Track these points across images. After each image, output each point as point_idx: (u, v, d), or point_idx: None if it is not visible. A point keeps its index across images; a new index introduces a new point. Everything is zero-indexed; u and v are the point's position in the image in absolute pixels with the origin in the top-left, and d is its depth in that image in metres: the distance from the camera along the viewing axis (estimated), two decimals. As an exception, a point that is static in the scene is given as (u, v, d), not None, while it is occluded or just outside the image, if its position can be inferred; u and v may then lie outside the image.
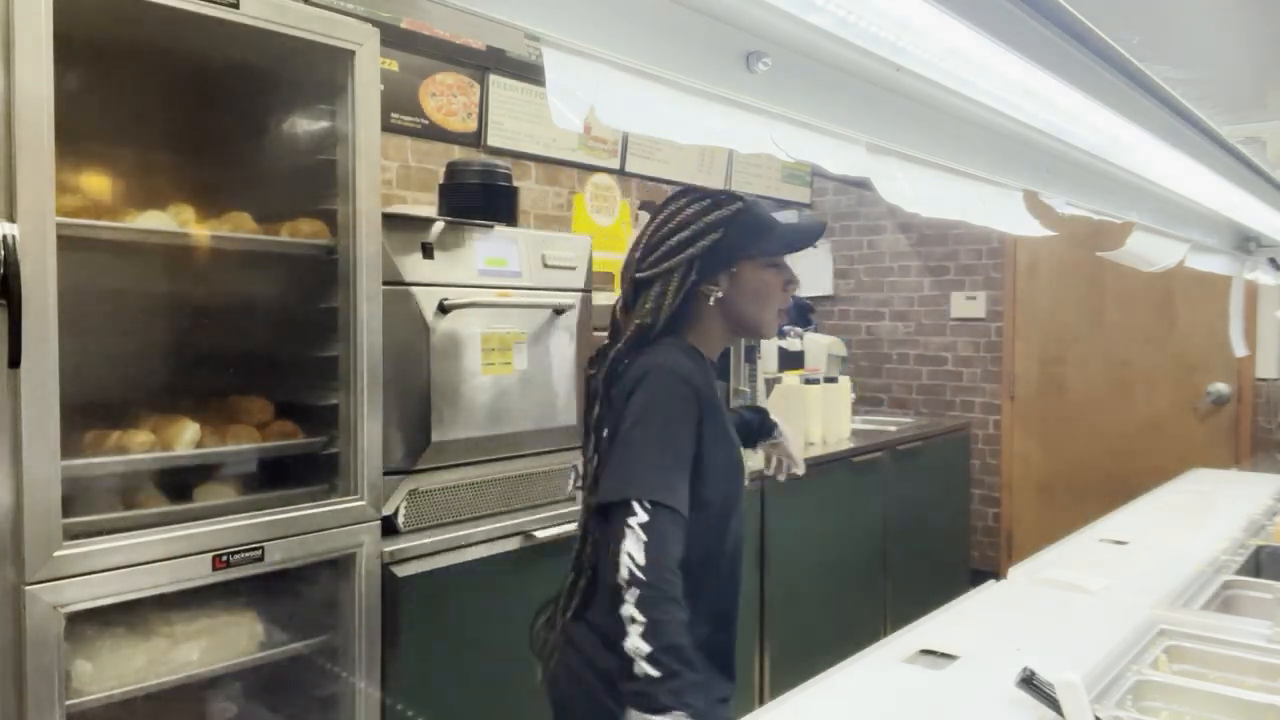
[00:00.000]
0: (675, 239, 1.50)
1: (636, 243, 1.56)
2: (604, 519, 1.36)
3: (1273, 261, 3.07)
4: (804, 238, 1.62)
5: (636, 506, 1.31)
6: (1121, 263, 2.42)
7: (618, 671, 1.30)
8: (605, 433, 1.46)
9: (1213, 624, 1.55)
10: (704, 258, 1.50)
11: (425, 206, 2.61)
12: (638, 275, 1.52)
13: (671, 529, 1.32)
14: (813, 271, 5.15)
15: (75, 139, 1.58)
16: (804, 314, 4.42)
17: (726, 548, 1.52)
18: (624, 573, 1.27)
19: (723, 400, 1.62)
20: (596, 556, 1.46)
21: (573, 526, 2.36)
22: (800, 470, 1.98)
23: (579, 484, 2.52)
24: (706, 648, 1.44)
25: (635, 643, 1.25)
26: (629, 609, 1.26)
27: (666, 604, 1.28)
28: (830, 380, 3.77)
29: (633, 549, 1.28)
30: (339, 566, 1.96)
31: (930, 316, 5.06)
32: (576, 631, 1.49)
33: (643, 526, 1.30)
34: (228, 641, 1.84)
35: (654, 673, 1.23)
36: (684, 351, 1.49)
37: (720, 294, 1.53)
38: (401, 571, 2.03)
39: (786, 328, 4.03)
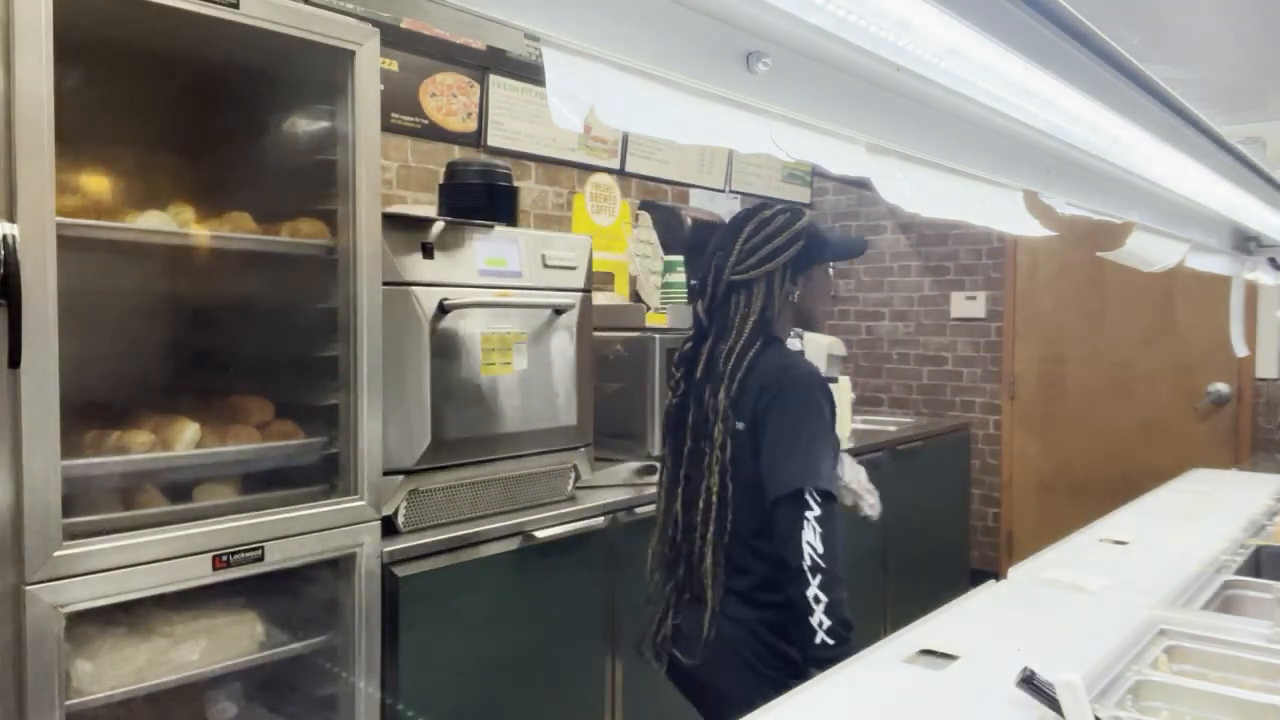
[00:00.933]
0: (770, 246, 1.75)
1: (724, 250, 1.76)
2: (776, 507, 1.58)
3: (1273, 261, 3.07)
4: (854, 247, 1.95)
5: (809, 499, 1.55)
6: (1121, 263, 2.42)
7: (787, 640, 1.62)
8: (741, 424, 1.66)
9: (1213, 624, 1.55)
10: (793, 263, 1.75)
11: (425, 206, 2.61)
12: (734, 278, 1.73)
13: (837, 517, 1.58)
14: (813, 271, 5.15)
15: (75, 139, 1.58)
16: None
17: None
18: (808, 560, 1.53)
19: None
20: (781, 536, 1.60)
21: (573, 526, 2.37)
22: (872, 512, 1.97)
23: (578, 483, 2.51)
24: None
25: (820, 618, 1.54)
26: (814, 590, 1.53)
27: (839, 585, 1.56)
28: (830, 380, 3.76)
29: (811, 538, 1.53)
30: (339, 566, 1.96)
31: (930, 316, 5.06)
32: (734, 608, 1.69)
33: (817, 519, 1.54)
34: (228, 641, 1.84)
35: (831, 641, 1.54)
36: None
37: (798, 293, 1.78)
38: (401, 571, 2.03)
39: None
